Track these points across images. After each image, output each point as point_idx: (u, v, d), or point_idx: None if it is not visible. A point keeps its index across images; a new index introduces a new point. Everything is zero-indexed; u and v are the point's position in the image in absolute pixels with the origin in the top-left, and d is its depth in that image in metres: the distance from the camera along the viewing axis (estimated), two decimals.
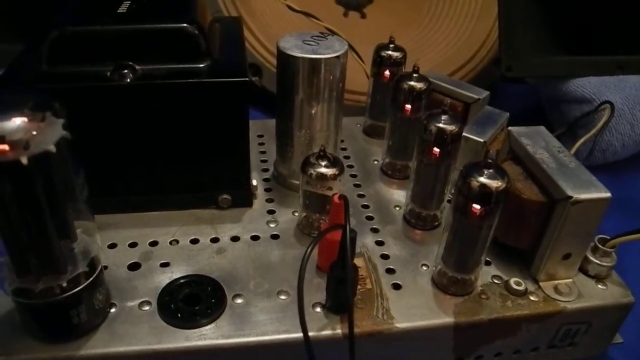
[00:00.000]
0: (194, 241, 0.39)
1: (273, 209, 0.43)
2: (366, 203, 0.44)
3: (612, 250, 0.38)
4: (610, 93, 0.58)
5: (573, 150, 0.52)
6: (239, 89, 0.37)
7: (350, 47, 0.59)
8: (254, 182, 0.43)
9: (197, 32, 0.37)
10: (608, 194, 0.35)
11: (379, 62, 0.49)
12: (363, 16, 0.75)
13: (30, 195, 0.26)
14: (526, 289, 0.37)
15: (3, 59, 0.39)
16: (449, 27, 0.71)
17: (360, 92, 0.63)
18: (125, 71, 0.36)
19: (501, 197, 0.33)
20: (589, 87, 0.58)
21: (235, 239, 0.39)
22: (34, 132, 0.26)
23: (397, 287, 0.37)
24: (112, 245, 0.38)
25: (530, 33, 0.59)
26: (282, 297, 0.35)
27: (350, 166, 0.48)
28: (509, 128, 0.41)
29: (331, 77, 0.39)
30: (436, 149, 0.39)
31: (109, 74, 0.36)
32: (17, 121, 0.26)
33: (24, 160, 0.25)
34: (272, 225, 0.41)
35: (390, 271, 0.38)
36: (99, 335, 0.32)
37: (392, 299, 0.36)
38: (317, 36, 0.41)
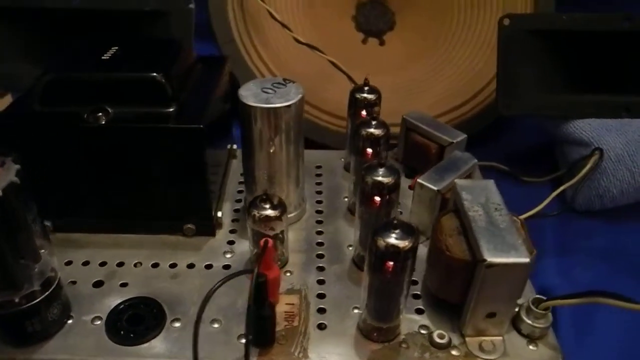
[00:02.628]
0: (155, 265, 0.44)
1: (234, 239, 0.46)
2: (321, 240, 0.47)
3: (545, 312, 0.38)
4: (610, 137, 0.56)
5: (551, 198, 0.51)
6: (194, 135, 0.41)
7: (350, 78, 0.62)
8: (220, 214, 0.47)
9: (164, 80, 0.42)
10: (526, 260, 0.35)
11: (355, 103, 0.51)
12: (382, 43, 0.76)
13: None
14: (449, 342, 0.38)
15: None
16: (464, 56, 0.70)
17: None
18: (100, 114, 0.41)
19: (409, 255, 0.34)
20: (589, 129, 0.57)
21: (190, 266, 0.44)
22: None
23: (322, 327, 0.39)
24: (85, 263, 0.44)
25: (530, 70, 0.58)
26: (215, 325, 0.39)
27: (319, 202, 0.51)
28: (455, 180, 0.42)
29: (283, 124, 0.42)
30: (377, 198, 0.40)
31: (85, 115, 0.41)
32: None
33: None
34: (227, 256, 0.45)
35: (321, 311, 0.40)
36: (52, 342, 0.37)
37: (313, 338, 0.38)
38: (277, 84, 0.44)
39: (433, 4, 0.73)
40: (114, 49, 0.45)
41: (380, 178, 0.40)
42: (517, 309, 0.39)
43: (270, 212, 0.41)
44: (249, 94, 0.43)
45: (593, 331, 0.46)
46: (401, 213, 0.50)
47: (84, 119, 0.41)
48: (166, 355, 0.37)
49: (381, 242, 0.34)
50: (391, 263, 0.34)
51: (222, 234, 0.47)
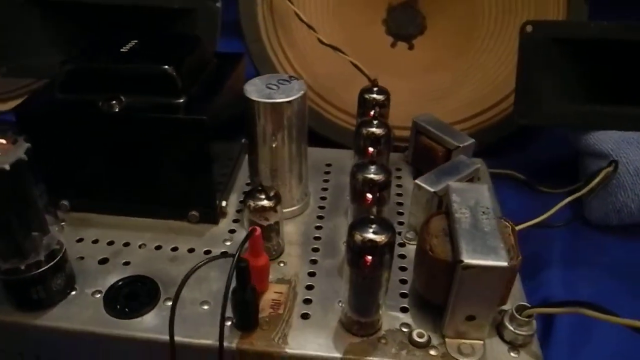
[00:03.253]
0: (158, 247, 0.46)
1: (235, 228, 0.48)
2: (319, 235, 0.48)
3: (528, 319, 0.38)
4: (630, 150, 0.54)
5: (556, 208, 0.50)
6: (198, 126, 0.43)
7: (370, 80, 0.63)
8: (224, 203, 0.49)
9: (174, 73, 0.44)
10: (504, 264, 0.35)
11: (364, 104, 0.52)
12: (411, 47, 0.77)
13: None
14: (428, 342, 0.38)
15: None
16: (490, 63, 0.70)
17: None
18: (113, 102, 0.44)
19: (386, 250, 0.35)
20: (609, 142, 0.55)
21: (191, 250, 0.46)
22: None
23: (306, 317, 0.40)
24: (95, 241, 0.47)
25: (551, 78, 0.57)
26: (205, 307, 0.41)
27: (324, 198, 0.52)
28: (449, 182, 0.42)
29: (284, 120, 0.44)
30: (369, 196, 0.41)
31: (100, 103, 0.44)
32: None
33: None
34: (227, 244, 0.47)
35: (307, 301, 0.41)
36: (55, 310, 0.40)
37: (295, 326, 0.39)
38: (282, 80, 0.46)
39: (464, 9, 0.73)
40: (134, 42, 0.48)
41: (370, 175, 0.40)
42: (502, 315, 0.39)
43: (265, 203, 0.42)
44: (253, 88, 0.44)
45: (588, 343, 0.45)
46: (402, 214, 0.50)
47: (98, 107, 0.44)
48: (153, 330, 0.39)
49: (358, 237, 0.35)
50: (368, 257, 0.35)
51: (225, 223, 0.49)
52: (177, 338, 0.38)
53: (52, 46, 0.64)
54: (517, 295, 0.42)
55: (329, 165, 0.57)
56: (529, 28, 0.57)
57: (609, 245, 0.55)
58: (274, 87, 0.45)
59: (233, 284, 0.37)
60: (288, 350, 0.38)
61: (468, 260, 0.35)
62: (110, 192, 0.48)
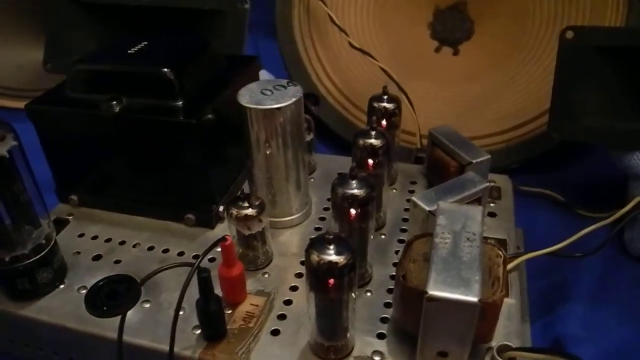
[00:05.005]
0: (150, 248, 0.46)
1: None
2: None
3: None
4: None
5: (577, 236, 0.45)
6: (189, 129, 0.43)
7: (399, 87, 0.60)
8: (221, 208, 0.48)
9: (172, 76, 0.44)
10: (473, 300, 0.31)
11: (372, 112, 0.49)
12: (456, 53, 0.72)
13: None
14: None
15: None
16: (536, 73, 0.64)
17: (410, 132, 0.62)
18: (114, 102, 0.45)
19: (345, 272, 0.32)
20: None
21: (180, 254, 0.46)
22: None
23: (275, 333, 0.39)
24: (94, 237, 0.48)
25: (592, 90, 0.51)
26: (180, 313, 0.40)
27: (327, 209, 0.50)
28: (439, 202, 0.39)
29: (275, 126, 0.42)
30: (352, 211, 0.39)
31: (101, 103, 0.45)
32: None
33: None
34: (218, 250, 0.46)
35: (281, 317, 0.40)
36: (40, 302, 0.42)
37: (263, 342, 0.38)
38: (279, 85, 0.44)
39: (514, 14, 0.67)
40: (143, 44, 0.48)
41: (350, 191, 0.38)
42: (486, 353, 0.35)
43: (248, 212, 0.41)
44: (246, 93, 0.43)
45: None
46: (405, 230, 0.47)
47: (98, 106, 0.45)
48: (125, 331, 0.39)
49: (314, 258, 0.33)
50: (326, 279, 0.33)
51: (221, 228, 0.48)
52: (144, 342, 0.39)
53: (94, 45, 0.67)
54: (514, 332, 0.38)
55: (340, 174, 0.55)
56: (569, 34, 0.51)
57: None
58: (268, 92, 0.43)
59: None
60: None
61: (433, 292, 0.32)
62: (114, 190, 0.49)
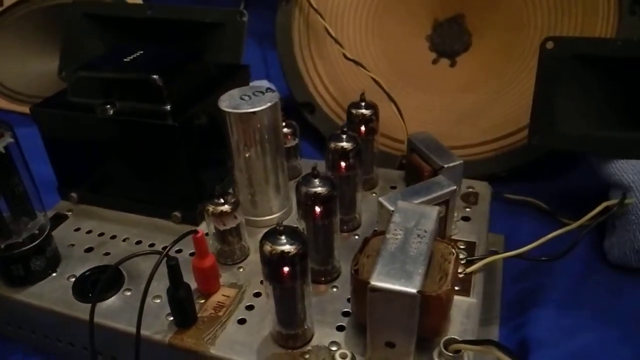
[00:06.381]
0: (138, 242, 0.50)
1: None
2: None
3: (454, 355, 0.35)
4: None
5: (542, 241, 0.46)
6: (171, 131, 0.46)
7: (389, 98, 0.61)
8: None
9: (161, 83, 0.48)
10: (412, 291, 0.33)
11: (351, 118, 0.51)
12: (453, 64, 0.74)
13: None
14: None
15: None
16: (529, 84, 0.64)
17: (399, 139, 0.64)
18: (108, 106, 0.49)
19: (296, 260, 0.35)
20: (631, 172, 0.49)
21: (164, 248, 0.48)
22: None
23: (242, 322, 0.41)
24: (89, 232, 0.51)
25: (572, 99, 0.52)
26: (157, 301, 0.43)
27: None
28: (398, 202, 0.40)
29: (251, 130, 0.45)
30: (317, 209, 0.41)
31: (96, 107, 0.49)
32: None
33: None
34: None
35: (249, 307, 0.42)
36: (32, 288, 0.45)
37: (229, 330, 0.40)
38: (257, 92, 0.47)
39: (510, 26, 0.69)
40: (139, 53, 0.52)
41: (312, 189, 0.40)
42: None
43: (223, 208, 0.44)
44: (226, 98, 0.46)
45: None
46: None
47: (93, 110, 0.49)
48: (105, 316, 0.42)
49: (267, 248, 0.35)
50: (279, 268, 0.35)
51: (205, 225, 0.51)
52: (120, 326, 0.42)
53: None
54: (470, 330, 0.39)
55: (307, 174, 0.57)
56: (549, 44, 0.52)
57: (621, 290, 0.48)
58: (247, 97, 0.46)
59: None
60: (212, 351, 0.39)
61: (375, 282, 0.34)
62: (110, 188, 0.53)
